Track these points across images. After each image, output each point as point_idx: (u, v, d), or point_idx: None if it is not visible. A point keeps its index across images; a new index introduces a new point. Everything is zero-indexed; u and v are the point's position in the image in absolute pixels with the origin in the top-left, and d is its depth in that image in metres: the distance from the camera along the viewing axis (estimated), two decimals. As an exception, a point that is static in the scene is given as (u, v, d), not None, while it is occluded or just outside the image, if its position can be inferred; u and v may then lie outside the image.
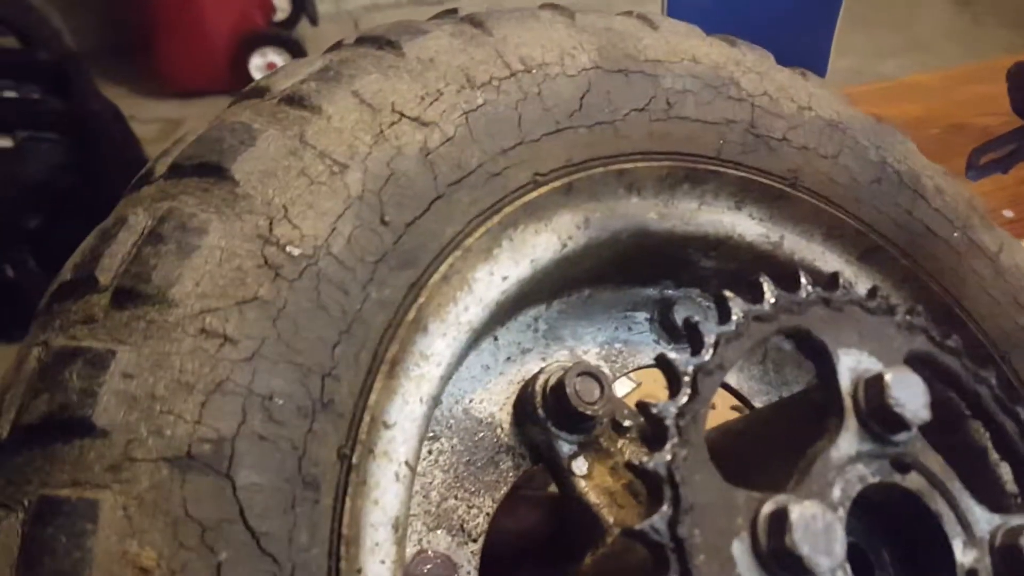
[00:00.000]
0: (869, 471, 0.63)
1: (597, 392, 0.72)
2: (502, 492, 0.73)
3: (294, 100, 0.64)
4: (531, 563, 0.81)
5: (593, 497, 0.73)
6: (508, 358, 0.76)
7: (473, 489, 0.72)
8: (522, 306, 0.76)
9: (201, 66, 4.29)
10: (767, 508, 0.56)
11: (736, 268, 0.81)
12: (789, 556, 0.54)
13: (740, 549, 0.55)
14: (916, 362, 0.68)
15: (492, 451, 0.73)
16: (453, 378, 0.67)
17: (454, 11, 0.77)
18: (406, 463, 0.59)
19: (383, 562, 0.56)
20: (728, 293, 0.64)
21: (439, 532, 0.69)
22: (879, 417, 0.63)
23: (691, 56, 0.79)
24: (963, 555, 0.64)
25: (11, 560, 0.48)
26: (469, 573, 0.69)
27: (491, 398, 0.75)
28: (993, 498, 0.68)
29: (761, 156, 0.79)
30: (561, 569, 0.74)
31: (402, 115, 0.64)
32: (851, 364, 0.65)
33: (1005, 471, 0.82)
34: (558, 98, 0.70)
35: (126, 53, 4.35)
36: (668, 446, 0.56)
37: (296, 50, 4.38)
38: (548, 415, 0.73)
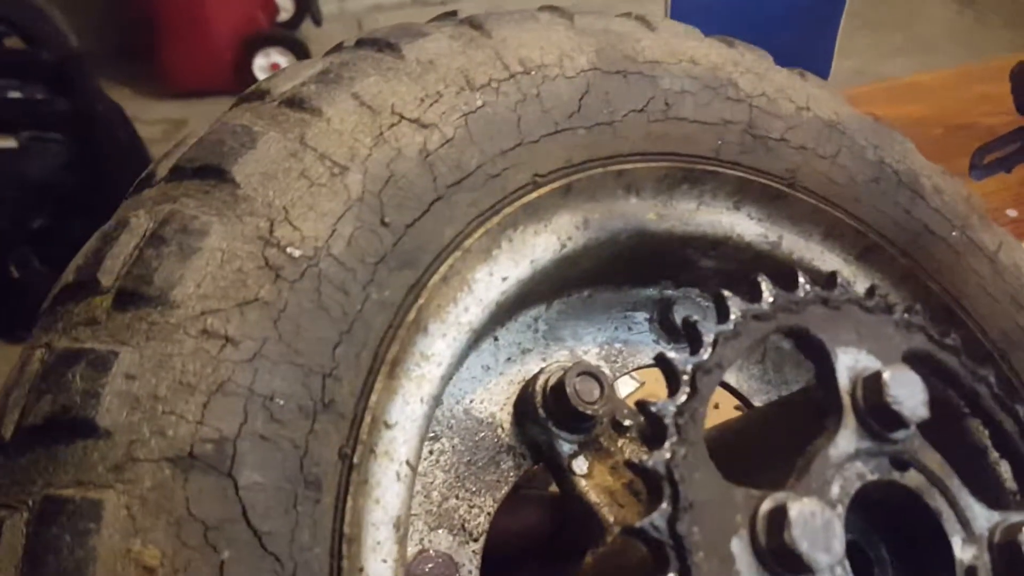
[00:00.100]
0: (868, 469, 0.63)
1: (597, 392, 0.72)
2: (503, 492, 0.73)
3: (294, 102, 0.64)
4: (532, 562, 0.82)
5: (593, 496, 0.73)
6: (508, 358, 0.77)
7: (474, 489, 0.72)
8: (522, 306, 0.76)
9: (205, 67, 4.29)
10: (766, 505, 0.56)
11: (735, 268, 0.81)
12: (788, 553, 0.54)
13: (739, 546, 0.55)
14: (914, 360, 0.68)
15: (493, 451, 0.74)
16: (454, 378, 0.68)
17: (454, 13, 0.78)
18: (407, 463, 0.60)
19: (384, 561, 0.56)
20: (726, 292, 0.64)
21: (440, 531, 0.70)
22: (878, 415, 0.63)
23: (689, 57, 0.79)
24: (962, 552, 0.65)
25: (16, 559, 0.49)
26: (470, 572, 0.70)
27: (491, 398, 0.75)
28: (992, 495, 0.68)
29: (759, 156, 0.79)
30: (562, 568, 0.75)
31: (402, 117, 0.65)
32: (850, 362, 0.65)
33: (1004, 469, 0.82)
34: (557, 99, 0.71)
35: (130, 54, 4.35)
36: (667, 444, 0.57)
37: (300, 51, 4.38)
38: (548, 415, 0.73)
